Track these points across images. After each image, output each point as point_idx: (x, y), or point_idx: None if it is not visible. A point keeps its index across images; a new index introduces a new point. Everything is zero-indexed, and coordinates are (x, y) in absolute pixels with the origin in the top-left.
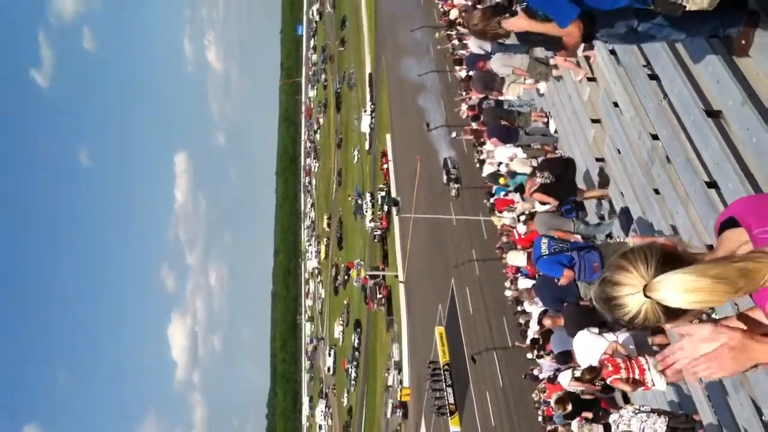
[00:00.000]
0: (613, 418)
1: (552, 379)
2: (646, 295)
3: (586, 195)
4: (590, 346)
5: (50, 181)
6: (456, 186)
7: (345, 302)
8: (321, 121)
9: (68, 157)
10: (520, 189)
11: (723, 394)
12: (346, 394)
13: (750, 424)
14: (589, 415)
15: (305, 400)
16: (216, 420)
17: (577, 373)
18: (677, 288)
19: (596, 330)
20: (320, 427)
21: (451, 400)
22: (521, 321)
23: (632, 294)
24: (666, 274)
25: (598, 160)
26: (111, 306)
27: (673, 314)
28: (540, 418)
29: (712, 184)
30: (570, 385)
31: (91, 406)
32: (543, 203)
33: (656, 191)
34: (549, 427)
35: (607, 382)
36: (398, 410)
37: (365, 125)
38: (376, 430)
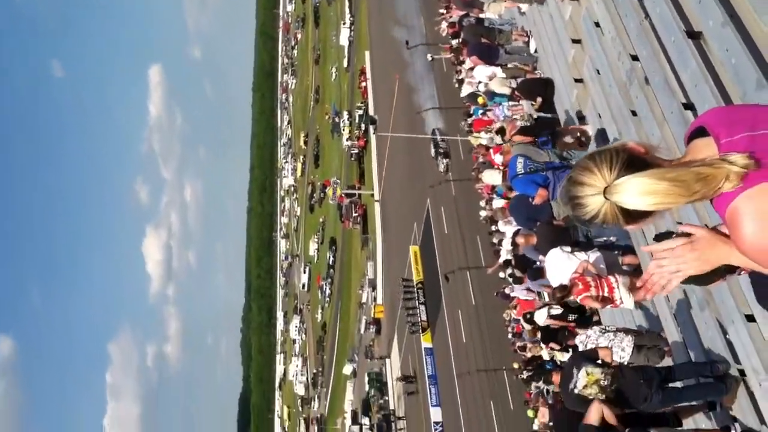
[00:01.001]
0: (580, 338)
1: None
2: (605, 197)
3: (566, 130)
4: (562, 265)
5: (23, 93)
6: (445, 161)
7: (320, 220)
8: (299, 36)
9: (41, 68)
10: (501, 132)
11: (689, 312)
12: (320, 310)
13: (714, 342)
14: (557, 346)
15: (280, 315)
16: (191, 333)
17: (553, 311)
18: (634, 191)
19: (569, 249)
20: (294, 341)
21: (424, 318)
22: (495, 240)
23: (593, 195)
24: (626, 177)
25: (576, 80)
26: (84, 218)
27: (632, 216)
28: (510, 335)
29: (689, 106)
30: (545, 322)
31: (66, 317)
32: None
33: (633, 113)
34: (518, 344)
35: (577, 300)
36: (371, 327)
37: (344, 38)
38: (350, 345)
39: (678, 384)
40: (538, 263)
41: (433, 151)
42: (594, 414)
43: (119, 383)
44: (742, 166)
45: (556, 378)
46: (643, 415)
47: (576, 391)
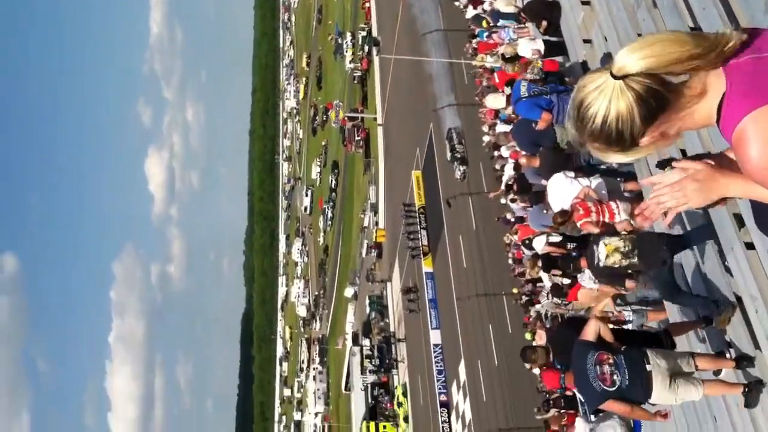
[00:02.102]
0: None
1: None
2: (613, 76)
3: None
4: (564, 190)
5: (23, 15)
6: (462, 168)
7: (323, 143)
8: None
9: None
10: (510, 60)
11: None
12: (322, 234)
13: (713, 270)
14: (558, 272)
15: (282, 237)
16: (194, 254)
17: (552, 239)
18: (634, 48)
19: (572, 174)
20: (297, 264)
21: (425, 243)
22: (497, 166)
23: (600, 84)
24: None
25: (584, 3)
26: (86, 137)
27: (648, 110)
28: (510, 260)
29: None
30: (544, 249)
31: (69, 236)
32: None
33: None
34: (518, 269)
35: (578, 225)
36: (373, 251)
37: None
38: (351, 269)
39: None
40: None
41: (449, 154)
42: (591, 330)
43: (124, 301)
44: (737, 38)
45: (583, 262)
46: (638, 334)
47: (601, 264)
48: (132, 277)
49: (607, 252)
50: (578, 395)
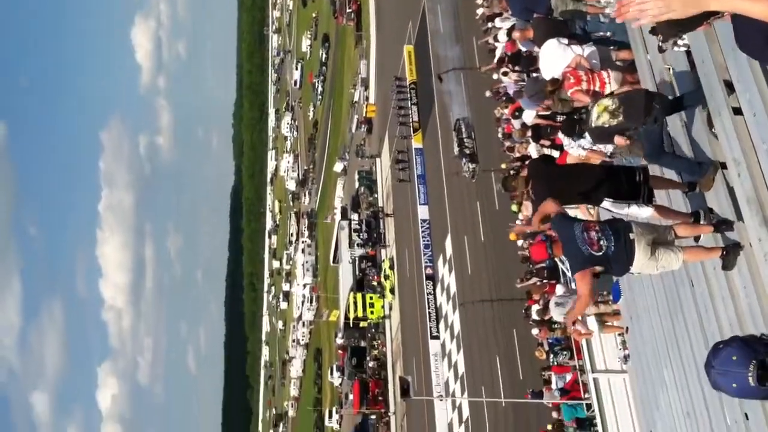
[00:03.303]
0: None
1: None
2: None
3: None
4: (556, 57)
5: None
6: (472, 166)
7: (313, 15)
8: None
9: None
10: None
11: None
12: (311, 108)
13: (700, 135)
14: (547, 142)
15: (271, 111)
16: (182, 126)
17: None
18: None
19: (565, 41)
20: (286, 138)
21: (416, 118)
22: (490, 40)
23: None
24: None
25: None
26: (72, 2)
27: None
28: (500, 135)
29: None
30: (533, 121)
31: (56, 103)
32: None
33: None
34: (507, 144)
35: (568, 93)
36: (363, 126)
37: None
38: (341, 143)
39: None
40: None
41: (456, 149)
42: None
43: (112, 170)
44: None
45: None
46: (622, 191)
47: (593, 125)
48: (120, 148)
49: (598, 112)
50: (561, 265)
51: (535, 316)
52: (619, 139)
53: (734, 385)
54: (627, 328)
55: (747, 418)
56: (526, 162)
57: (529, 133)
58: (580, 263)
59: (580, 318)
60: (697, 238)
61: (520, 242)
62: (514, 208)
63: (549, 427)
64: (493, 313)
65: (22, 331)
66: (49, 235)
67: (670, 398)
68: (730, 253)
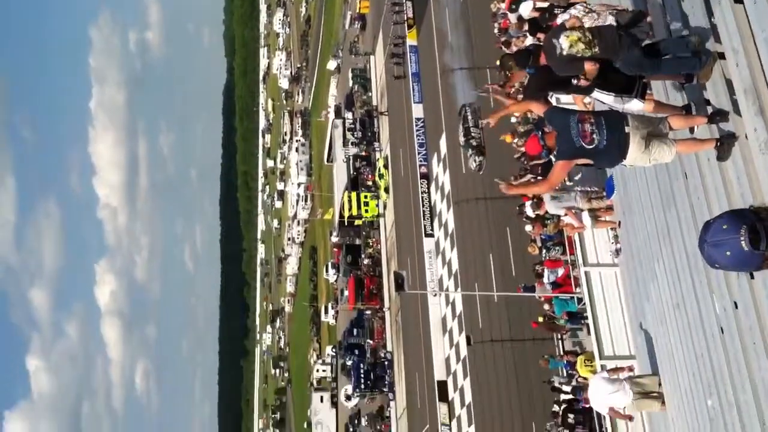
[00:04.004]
0: (562, 17)
1: None
2: None
3: None
4: None
5: None
6: (479, 159)
7: None
8: None
9: None
10: None
11: None
12: (304, 3)
13: (699, 26)
14: (543, 35)
15: (263, 7)
16: (172, 21)
17: (540, 4)
18: None
19: None
20: (278, 35)
21: (410, 15)
22: None
23: None
24: None
25: None
26: None
27: None
28: (496, 31)
29: None
30: (530, 15)
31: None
32: None
33: None
34: (502, 39)
35: None
36: (357, 22)
37: None
38: (334, 41)
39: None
40: None
41: (461, 138)
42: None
43: (102, 67)
44: None
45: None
46: (617, 84)
47: (565, 53)
48: (110, 44)
49: (570, 42)
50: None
51: (529, 213)
52: (589, 65)
53: (728, 253)
54: (619, 222)
55: (736, 307)
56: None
57: (526, 27)
58: (568, 154)
59: (574, 210)
60: (691, 130)
61: (515, 141)
62: (507, 138)
63: (540, 319)
64: (487, 211)
65: (18, 228)
66: (42, 134)
67: (660, 290)
68: (725, 144)
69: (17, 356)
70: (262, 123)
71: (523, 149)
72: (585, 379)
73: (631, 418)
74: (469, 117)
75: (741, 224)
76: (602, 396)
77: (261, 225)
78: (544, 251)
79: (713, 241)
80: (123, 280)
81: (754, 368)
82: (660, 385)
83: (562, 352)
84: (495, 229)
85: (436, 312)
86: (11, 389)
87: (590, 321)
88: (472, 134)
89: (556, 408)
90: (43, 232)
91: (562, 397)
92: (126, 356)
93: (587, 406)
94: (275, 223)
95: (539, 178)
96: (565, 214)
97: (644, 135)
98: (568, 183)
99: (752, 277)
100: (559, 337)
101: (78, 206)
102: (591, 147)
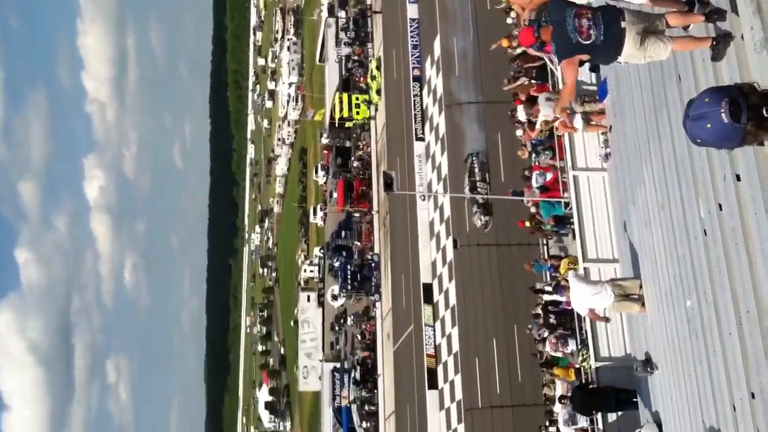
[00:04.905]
0: None
1: None
2: None
3: None
4: None
5: None
6: (485, 219)
7: None
8: None
9: None
10: None
11: None
12: None
13: None
14: None
15: None
16: None
17: None
18: None
19: None
20: None
21: None
22: None
23: None
24: None
25: None
26: None
27: None
28: None
29: None
30: None
31: None
32: None
33: None
34: None
35: None
36: None
37: None
38: None
39: None
40: None
41: (467, 191)
42: None
43: None
44: None
45: None
46: None
47: None
48: None
49: None
50: (549, 65)
51: (521, 117)
52: None
53: (708, 125)
54: (611, 126)
55: (720, 209)
56: None
57: None
58: (566, 51)
59: (568, 109)
60: (685, 28)
61: (511, 44)
62: (504, 43)
63: (527, 223)
64: (479, 116)
65: (5, 121)
66: (29, 25)
67: (647, 194)
68: (720, 43)
69: (6, 248)
70: (253, 20)
71: (519, 50)
72: (567, 281)
73: (608, 320)
74: (476, 170)
75: (723, 97)
76: (584, 298)
77: (251, 125)
78: (533, 155)
79: (695, 114)
80: (112, 175)
81: (734, 269)
82: (641, 287)
83: (546, 257)
84: (487, 132)
85: (424, 216)
86: (0, 280)
87: (576, 224)
88: (479, 189)
89: (538, 310)
90: (32, 125)
91: (545, 297)
92: (115, 251)
93: (569, 307)
94: (265, 123)
95: (533, 81)
96: (560, 113)
97: (639, 31)
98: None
99: (738, 179)
100: (545, 242)
101: (66, 100)
102: (588, 42)
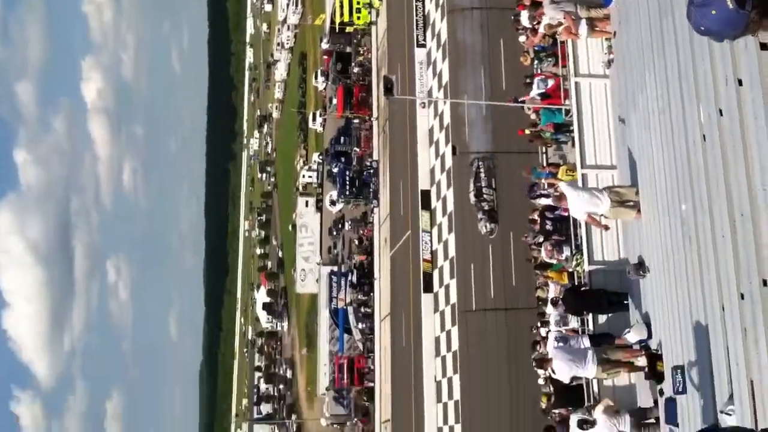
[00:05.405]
0: None
1: None
2: None
3: None
4: None
5: None
6: (490, 226)
7: None
8: None
9: None
10: None
11: None
12: None
13: None
14: None
15: None
16: None
17: None
18: None
19: None
20: None
21: None
22: None
23: None
24: None
25: None
26: None
27: None
28: None
29: None
30: None
31: None
32: None
33: None
34: None
35: None
36: None
37: None
38: None
39: None
40: None
41: (472, 197)
42: None
43: None
44: None
45: None
46: None
47: None
48: None
49: None
50: None
51: (524, 22)
52: None
53: (713, 12)
54: (615, 32)
55: (721, 114)
56: None
57: None
58: None
59: (573, 15)
60: None
61: None
62: None
63: (527, 131)
64: (481, 22)
65: (1, 20)
66: None
67: (648, 99)
68: None
69: (5, 149)
70: None
71: None
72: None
73: (606, 228)
74: (482, 175)
75: None
76: (581, 203)
77: (250, 28)
78: (536, 62)
79: (700, 0)
80: (109, 77)
81: (730, 173)
82: (637, 193)
83: (545, 164)
84: (489, 39)
85: (423, 124)
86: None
87: (575, 130)
88: (485, 195)
89: (534, 216)
90: (27, 25)
91: (542, 201)
92: (113, 154)
93: (565, 214)
94: (264, 27)
95: None
96: (564, 18)
97: None
98: None
99: (741, 84)
100: (544, 150)
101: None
102: None
